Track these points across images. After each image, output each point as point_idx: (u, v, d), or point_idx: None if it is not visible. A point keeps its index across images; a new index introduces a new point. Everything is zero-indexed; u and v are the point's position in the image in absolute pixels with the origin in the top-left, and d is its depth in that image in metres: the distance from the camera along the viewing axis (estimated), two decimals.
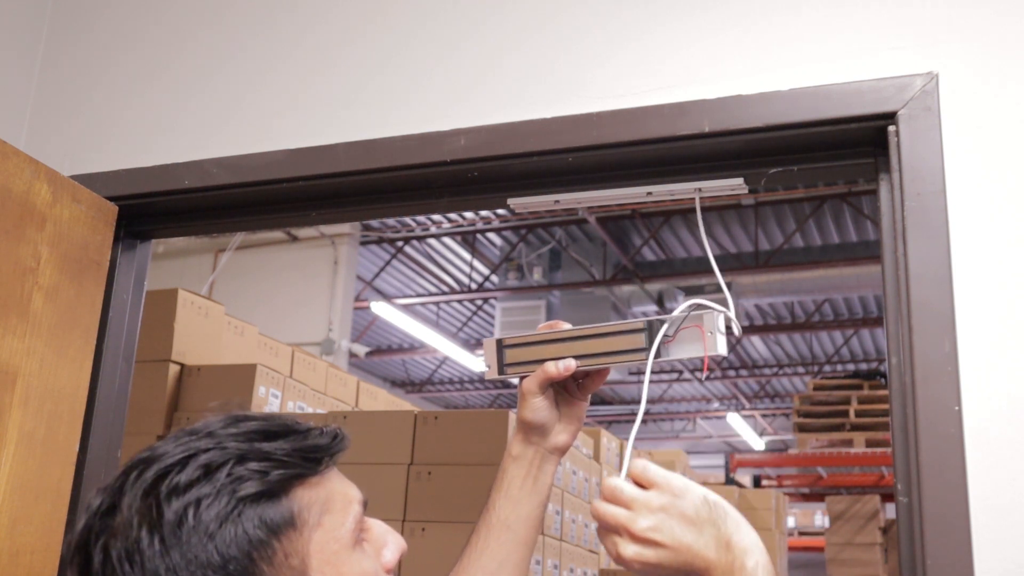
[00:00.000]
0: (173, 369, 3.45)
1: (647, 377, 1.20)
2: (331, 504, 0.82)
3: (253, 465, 0.77)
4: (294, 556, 0.77)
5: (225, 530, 0.74)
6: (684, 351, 1.21)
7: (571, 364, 1.23)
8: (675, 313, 1.22)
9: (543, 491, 1.24)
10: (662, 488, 0.97)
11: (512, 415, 3.09)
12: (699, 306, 1.20)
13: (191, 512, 0.74)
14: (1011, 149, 1.31)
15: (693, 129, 1.44)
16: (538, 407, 1.23)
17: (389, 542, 0.87)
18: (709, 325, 1.19)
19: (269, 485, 0.77)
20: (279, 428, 0.82)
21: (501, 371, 1.31)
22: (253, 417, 0.82)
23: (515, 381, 1.30)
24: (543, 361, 1.24)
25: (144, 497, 0.75)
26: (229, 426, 0.80)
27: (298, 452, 0.80)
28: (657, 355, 1.21)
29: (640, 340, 1.22)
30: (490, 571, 1.19)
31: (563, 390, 1.27)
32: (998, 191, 1.31)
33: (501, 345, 1.31)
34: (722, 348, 1.19)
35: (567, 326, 1.27)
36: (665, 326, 1.21)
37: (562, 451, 1.26)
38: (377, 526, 0.88)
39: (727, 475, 9.94)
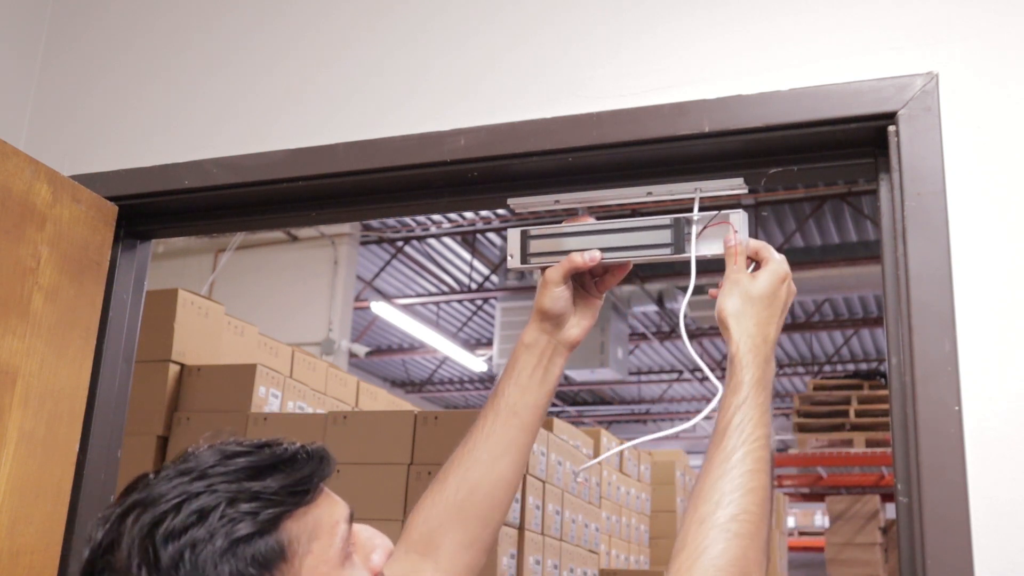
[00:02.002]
0: (173, 369, 3.45)
1: (692, 271, 1.28)
2: (319, 530, 0.85)
3: (244, 507, 0.80)
4: None
5: (220, 571, 0.78)
6: (710, 248, 1.28)
7: (596, 255, 1.28)
8: (699, 212, 1.28)
9: (552, 381, 1.30)
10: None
11: None
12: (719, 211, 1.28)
13: (187, 554, 0.78)
14: (1011, 149, 1.31)
15: (693, 129, 1.44)
16: (558, 296, 1.28)
17: (376, 546, 0.90)
18: (736, 223, 1.24)
19: (260, 525, 0.80)
20: (267, 462, 0.84)
21: (524, 260, 1.35)
22: (242, 452, 0.85)
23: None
24: (568, 252, 1.28)
25: (142, 540, 0.79)
26: (218, 464, 0.83)
27: (285, 489, 0.83)
28: (681, 251, 1.26)
29: (666, 236, 1.27)
30: (496, 455, 1.25)
31: (580, 286, 1.32)
32: (998, 191, 1.31)
33: (527, 235, 1.34)
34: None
35: (592, 220, 1.32)
36: (695, 223, 1.27)
37: (572, 346, 1.32)
38: (362, 532, 0.91)
39: None
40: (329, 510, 0.87)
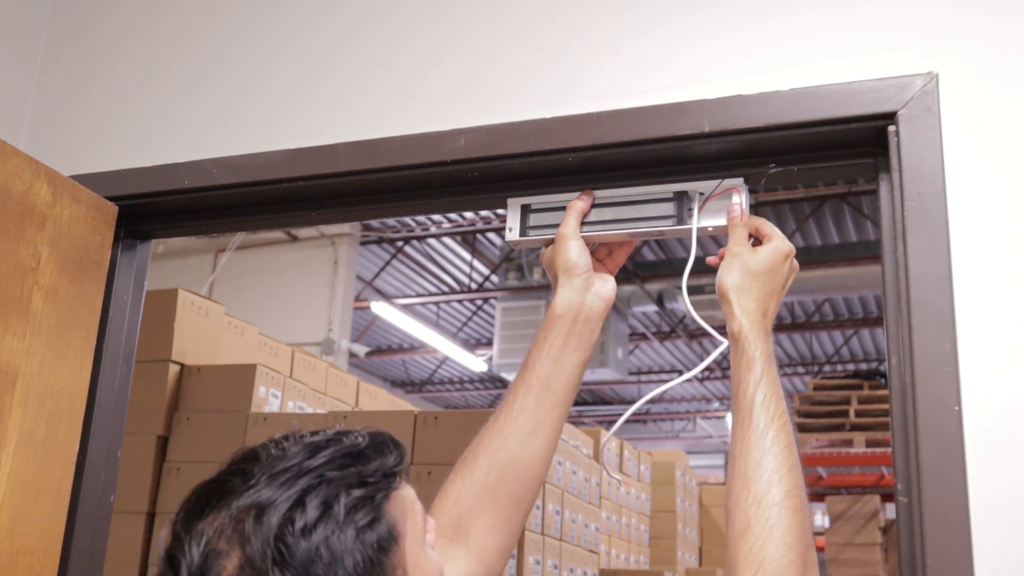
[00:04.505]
0: (173, 369, 3.45)
1: (694, 242, 1.30)
2: (406, 510, 0.86)
3: (358, 492, 0.81)
4: (399, 568, 0.82)
5: (355, 559, 0.78)
6: (712, 220, 1.30)
7: (591, 193, 1.33)
8: (696, 184, 1.33)
9: (586, 349, 1.28)
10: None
11: None
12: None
13: (323, 549, 0.77)
14: (1011, 149, 1.31)
15: (693, 129, 1.44)
16: (580, 248, 1.29)
17: (430, 524, 0.91)
18: (739, 197, 1.26)
19: (376, 510, 0.81)
20: (355, 449, 0.84)
21: (524, 233, 1.37)
22: (324, 442, 0.85)
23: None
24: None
25: (274, 541, 0.77)
26: (314, 457, 0.83)
27: (380, 472, 0.84)
28: (683, 223, 1.28)
29: (668, 208, 1.28)
30: (527, 432, 1.22)
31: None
32: (998, 191, 1.31)
33: (527, 209, 1.35)
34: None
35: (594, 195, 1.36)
36: (699, 194, 1.32)
37: (607, 304, 1.30)
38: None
39: (727, 475, 9.92)
40: (408, 491, 0.88)
